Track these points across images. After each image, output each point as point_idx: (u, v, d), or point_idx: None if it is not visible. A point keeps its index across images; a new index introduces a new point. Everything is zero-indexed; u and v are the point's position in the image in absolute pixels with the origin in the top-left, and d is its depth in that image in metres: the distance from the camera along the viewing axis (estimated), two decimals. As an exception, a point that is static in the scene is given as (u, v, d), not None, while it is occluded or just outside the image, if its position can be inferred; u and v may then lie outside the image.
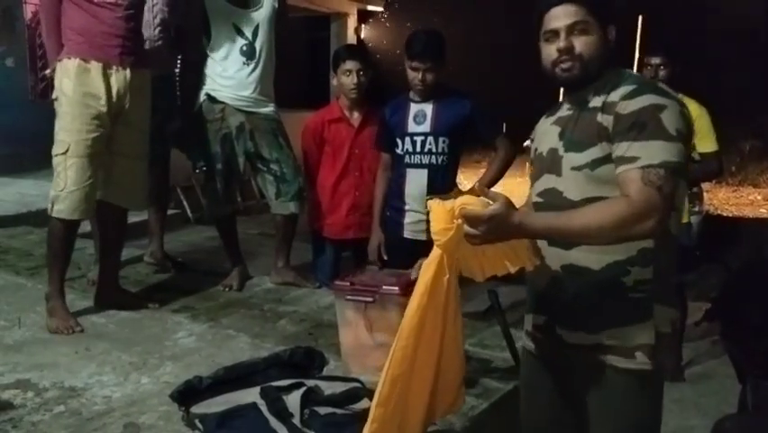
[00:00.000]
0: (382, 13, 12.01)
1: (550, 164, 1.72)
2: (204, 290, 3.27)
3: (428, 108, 3.01)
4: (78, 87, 2.69)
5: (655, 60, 3.77)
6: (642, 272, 1.63)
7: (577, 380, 1.77)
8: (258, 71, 3.29)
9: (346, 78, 3.22)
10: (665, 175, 1.50)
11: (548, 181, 1.73)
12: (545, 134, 1.77)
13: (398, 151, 3.06)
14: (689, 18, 12.94)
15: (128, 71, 2.77)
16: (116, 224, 3.00)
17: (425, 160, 3.02)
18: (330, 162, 3.36)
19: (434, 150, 3.01)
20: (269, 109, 3.37)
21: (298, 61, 12.83)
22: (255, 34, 3.30)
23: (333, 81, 3.32)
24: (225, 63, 3.26)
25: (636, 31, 10.96)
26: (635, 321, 1.64)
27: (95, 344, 2.58)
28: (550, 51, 1.67)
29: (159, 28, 3.34)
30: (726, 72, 12.12)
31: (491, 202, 1.50)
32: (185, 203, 7.40)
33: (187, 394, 1.95)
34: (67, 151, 2.70)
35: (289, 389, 1.95)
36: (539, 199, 1.75)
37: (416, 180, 3.03)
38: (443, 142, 3.00)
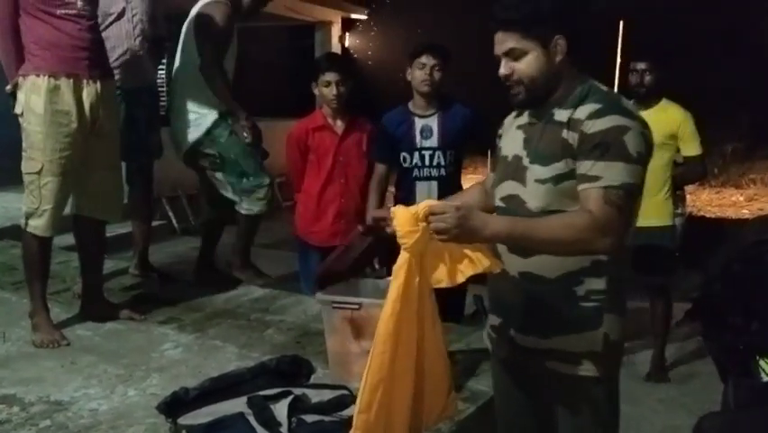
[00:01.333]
0: (366, 21, 12.06)
1: (514, 171, 1.76)
2: (190, 300, 3.27)
3: (434, 123, 3.12)
4: (49, 106, 2.65)
5: (641, 66, 3.83)
6: (594, 283, 1.69)
7: (530, 382, 1.83)
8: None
9: (326, 88, 3.25)
10: (624, 196, 1.57)
11: (512, 188, 1.76)
12: (511, 138, 1.81)
13: (405, 165, 3.16)
14: (668, 19, 13.10)
15: (98, 84, 2.75)
16: (95, 236, 2.99)
17: (435, 173, 3.14)
18: (315, 170, 3.38)
19: (442, 163, 3.14)
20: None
21: (283, 70, 12.86)
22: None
23: (315, 91, 3.34)
24: None
25: (618, 35, 11.09)
26: (584, 329, 1.70)
27: (81, 357, 2.58)
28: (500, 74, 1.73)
29: (139, 38, 3.36)
30: (707, 73, 12.27)
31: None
32: (170, 214, 7.39)
33: (174, 406, 1.96)
34: (41, 171, 2.67)
35: (277, 398, 1.96)
36: (501, 204, 1.80)
37: (425, 193, 3.12)
38: (450, 155, 3.16)
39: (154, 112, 3.67)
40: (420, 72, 3.11)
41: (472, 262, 1.63)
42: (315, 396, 2.03)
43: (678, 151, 3.86)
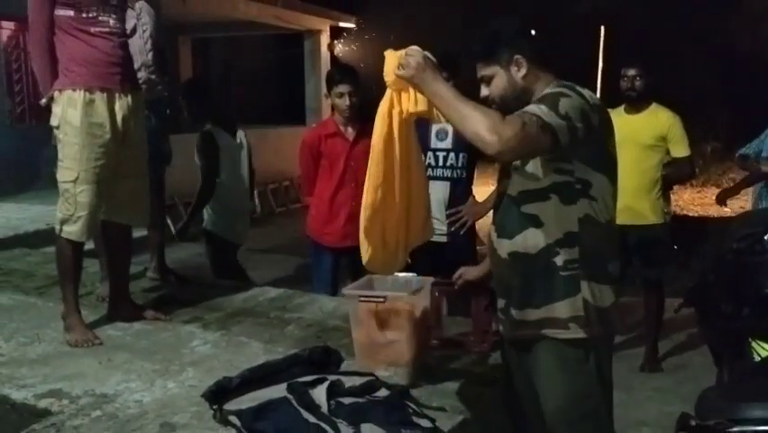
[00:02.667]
0: (354, 29, 12.25)
1: (507, 170, 2.09)
2: (209, 301, 3.40)
3: (449, 126, 3.29)
4: (85, 119, 2.79)
5: (631, 72, 4.03)
6: (569, 252, 1.93)
7: (531, 354, 2.04)
8: None
9: (339, 99, 3.44)
10: (536, 120, 1.80)
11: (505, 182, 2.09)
12: None
13: None
14: (644, 23, 13.38)
15: (129, 97, 2.90)
16: (123, 241, 3.13)
17: (447, 173, 3.34)
18: (327, 175, 3.56)
19: (454, 164, 3.34)
20: None
21: (273, 78, 13.00)
22: None
23: (328, 100, 3.52)
24: None
25: (599, 41, 11.36)
26: (567, 296, 1.94)
27: (116, 354, 2.71)
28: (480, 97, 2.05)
29: (151, 53, 3.50)
30: (682, 75, 12.56)
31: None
32: (168, 221, 7.48)
33: (219, 393, 2.11)
34: (76, 179, 2.81)
35: (314, 384, 2.11)
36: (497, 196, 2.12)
37: (438, 192, 3.30)
38: (463, 157, 3.35)
39: (164, 122, 3.82)
40: None
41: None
42: (348, 381, 2.18)
43: (668, 153, 4.07)
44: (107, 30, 2.84)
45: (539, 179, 1.94)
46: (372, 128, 3.53)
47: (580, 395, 1.99)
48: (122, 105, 2.87)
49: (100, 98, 2.81)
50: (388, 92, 2.12)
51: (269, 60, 14.12)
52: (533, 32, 2.04)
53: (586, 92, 1.94)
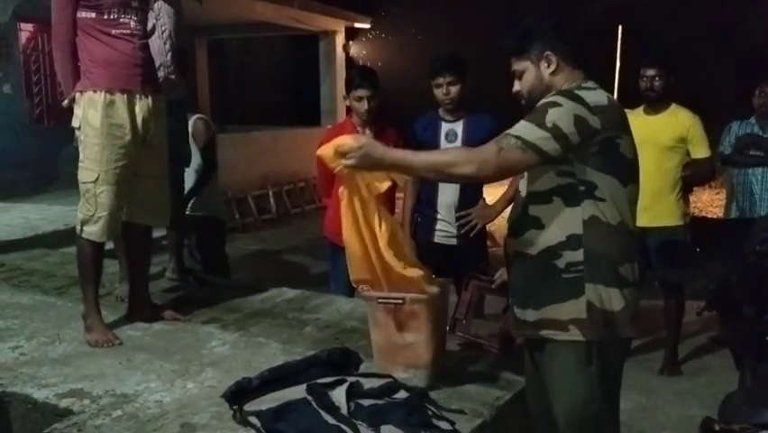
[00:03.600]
0: (370, 30, 12.25)
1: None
2: (227, 302, 3.42)
3: (459, 127, 3.33)
4: (106, 120, 2.81)
5: (650, 72, 3.99)
6: (572, 255, 1.92)
7: (535, 354, 2.06)
8: None
9: (358, 103, 3.45)
10: (514, 144, 1.84)
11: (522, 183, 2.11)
12: None
13: None
14: (665, 23, 13.28)
15: (149, 98, 2.92)
16: (143, 242, 3.15)
17: None
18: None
19: None
20: None
21: (288, 80, 13.04)
22: None
23: (346, 102, 3.53)
24: None
25: (615, 41, 11.29)
26: (568, 298, 1.93)
27: (135, 355, 2.73)
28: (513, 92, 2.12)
29: (170, 53, 3.51)
30: (703, 74, 12.45)
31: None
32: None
33: (239, 394, 2.11)
34: (96, 180, 2.83)
35: (333, 385, 2.11)
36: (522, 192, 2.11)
37: (447, 193, 3.33)
38: None
39: (184, 123, 3.84)
40: (438, 91, 3.33)
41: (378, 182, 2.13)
42: (367, 383, 2.18)
43: (688, 154, 4.03)
44: (128, 31, 2.85)
45: (543, 182, 1.96)
46: (390, 131, 3.59)
47: (579, 399, 1.98)
48: (142, 106, 2.89)
49: (120, 100, 2.83)
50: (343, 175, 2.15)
51: (285, 61, 14.16)
52: (563, 28, 2.05)
53: (590, 94, 1.92)
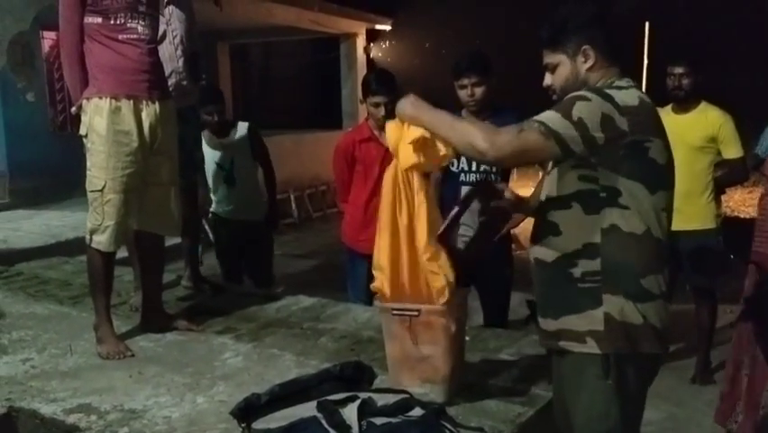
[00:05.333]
0: (391, 32, 12.17)
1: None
2: (242, 311, 3.35)
3: None
4: (112, 126, 2.75)
5: (678, 70, 3.84)
6: (589, 265, 1.81)
7: (556, 365, 1.97)
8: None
9: (375, 108, 3.36)
10: (536, 127, 1.72)
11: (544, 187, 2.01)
12: None
13: (453, 168, 3.23)
14: (693, 19, 13.00)
15: (157, 105, 2.85)
16: (155, 251, 3.09)
17: (481, 177, 3.22)
18: (362, 181, 3.47)
19: (488, 168, 3.19)
20: None
21: (310, 83, 13.02)
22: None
23: (363, 106, 3.44)
24: None
25: (644, 37, 11.06)
26: (585, 309, 1.82)
27: (146, 367, 2.67)
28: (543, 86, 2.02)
29: (182, 59, 3.44)
30: (734, 72, 12.16)
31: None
32: (207, 228, 7.51)
33: (248, 411, 2.02)
34: (103, 188, 2.77)
35: (345, 402, 2.01)
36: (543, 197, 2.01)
37: None
38: None
39: (197, 130, 3.78)
40: (462, 92, 3.21)
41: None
42: (380, 400, 2.08)
43: (719, 154, 3.87)
44: (135, 36, 2.79)
45: (563, 186, 1.86)
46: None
47: (594, 414, 1.88)
48: (149, 112, 2.83)
49: (126, 106, 2.77)
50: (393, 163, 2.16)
51: (307, 65, 14.15)
52: (606, 21, 1.92)
53: (620, 93, 1.79)
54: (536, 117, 1.76)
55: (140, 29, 2.79)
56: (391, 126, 2.09)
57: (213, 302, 3.52)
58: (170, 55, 3.35)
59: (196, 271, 3.77)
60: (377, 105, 3.34)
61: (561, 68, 1.89)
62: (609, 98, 1.76)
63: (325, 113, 12.11)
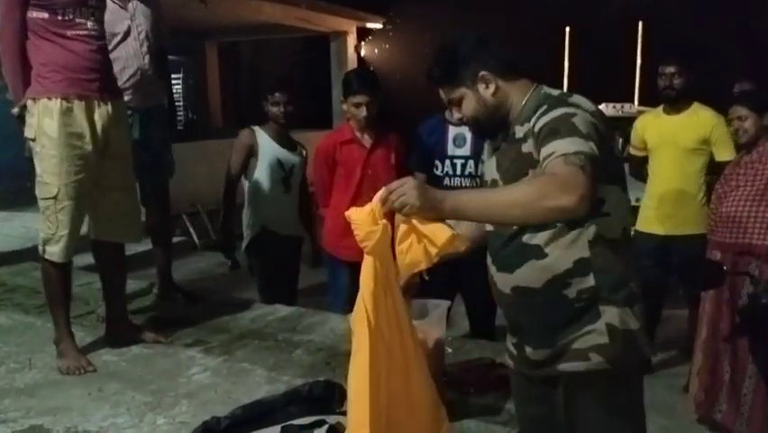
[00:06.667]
0: (382, 30, 12.02)
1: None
2: (215, 320, 3.21)
3: (467, 131, 3.08)
4: (63, 128, 2.58)
5: (669, 69, 3.73)
6: (583, 282, 1.67)
7: (548, 392, 1.80)
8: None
9: (356, 109, 3.20)
10: (585, 158, 1.52)
11: None
12: (489, 163, 1.85)
13: (437, 172, 3.12)
14: (686, 19, 12.91)
15: (109, 106, 2.68)
16: (116, 260, 2.92)
17: (466, 182, 3.09)
18: (343, 184, 3.32)
19: (474, 172, 3.08)
20: None
21: (298, 81, 12.85)
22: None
23: (344, 106, 3.29)
24: None
25: (636, 37, 10.95)
26: (585, 325, 1.68)
27: (107, 384, 2.52)
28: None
29: (147, 56, 3.28)
30: (726, 73, 12.06)
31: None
32: (191, 230, 7.37)
33: (206, 437, 1.89)
34: (57, 195, 2.60)
35: (311, 427, 1.89)
36: (491, 228, 1.81)
37: None
38: None
39: (166, 130, 3.62)
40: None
41: (436, 240, 1.56)
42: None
43: (712, 156, 3.75)
44: (85, 33, 2.61)
45: None
46: (390, 136, 3.34)
47: (607, 430, 1.74)
48: (101, 114, 2.66)
49: (78, 107, 2.60)
50: (369, 261, 1.58)
51: (296, 64, 14.01)
52: (491, 41, 1.78)
53: (580, 99, 1.68)
54: (565, 151, 1.53)
55: (89, 24, 2.62)
56: (357, 214, 1.58)
57: (185, 312, 3.36)
58: (135, 51, 3.19)
59: (169, 279, 3.61)
60: (358, 105, 3.19)
61: (466, 101, 1.76)
62: (580, 106, 1.65)
63: (316, 113, 11.97)
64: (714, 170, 3.77)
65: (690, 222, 3.73)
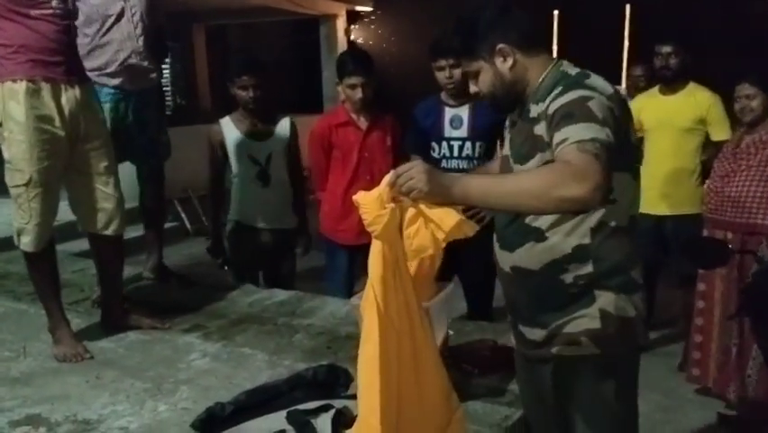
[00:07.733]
0: (372, 13, 11.90)
1: (506, 170, 1.78)
2: (212, 305, 3.17)
3: (464, 113, 3.05)
4: (31, 111, 2.47)
5: (666, 49, 3.73)
6: (580, 268, 1.66)
7: (543, 372, 1.80)
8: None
9: (351, 91, 3.15)
10: (600, 146, 1.47)
11: None
12: (506, 138, 1.84)
13: (434, 154, 3.09)
14: (680, 2, 12.87)
15: (77, 89, 2.58)
16: (112, 251, 2.83)
17: (463, 164, 3.05)
18: (339, 168, 3.28)
19: (471, 154, 3.06)
20: None
21: (288, 65, 12.73)
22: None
23: (339, 88, 3.24)
24: None
25: (624, 20, 10.91)
26: (578, 310, 1.68)
27: (105, 371, 2.48)
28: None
29: (141, 38, 3.22)
30: (720, 54, 12.04)
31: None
32: (183, 215, 7.30)
33: (210, 423, 1.87)
34: (29, 182, 2.50)
35: (317, 412, 1.86)
36: None
37: None
38: (480, 146, 3.06)
39: (162, 112, 3.55)
40: (440, 74, 3.06)
41: (443, 225, 1.54)
42: (356, 408, 1.93)
43: (707, 136, 3.75)
44: (50, 12, 2.49)
45: None
46: (386, 118, 3.30)
47: (599, 415, 1.75)
48: (69, 97, 2.55)
49: (45, 89, 2.49)
50: (377, 246, 1.52)
51: (286, 47, 13.86)
52: (515, 10, 1.73)
53: (598, 82, 1.63)
54: (580, 138, 1.47)
55: (54, 2, 2.50)
56: (365, 199, 1.53)
57: (180, 297, 3.31)
58: (129, 33, 3.12)
59: (160, 262, 3.57)
60: (353, 86, 3.14)
61: (483, 74, 1.73)
62: (600, 90, 1.60)
63: (306, 96, 11.87)
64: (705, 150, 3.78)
65: (685, 202, 3.74)
